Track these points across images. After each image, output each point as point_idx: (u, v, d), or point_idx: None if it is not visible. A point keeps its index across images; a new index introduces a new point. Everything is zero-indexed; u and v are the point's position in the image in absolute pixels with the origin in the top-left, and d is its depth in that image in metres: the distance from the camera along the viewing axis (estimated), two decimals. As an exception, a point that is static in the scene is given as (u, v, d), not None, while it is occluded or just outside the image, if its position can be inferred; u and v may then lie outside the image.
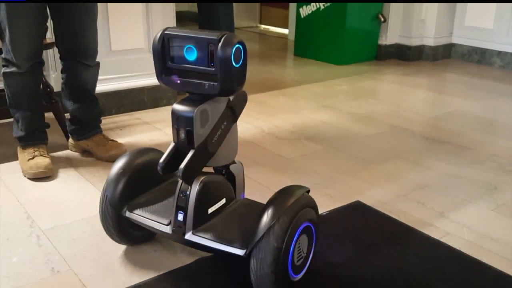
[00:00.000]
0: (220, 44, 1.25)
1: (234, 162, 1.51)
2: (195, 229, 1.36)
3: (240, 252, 1.30)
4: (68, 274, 1.47)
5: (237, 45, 1.27)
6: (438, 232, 1.73)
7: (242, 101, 1.46)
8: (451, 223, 1.79)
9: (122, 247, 1.60)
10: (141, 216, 1.45)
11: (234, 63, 1.27)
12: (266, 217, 1.27)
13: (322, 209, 1.85)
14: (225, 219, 1.41)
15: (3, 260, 1.53)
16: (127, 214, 1.46)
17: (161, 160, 1.36)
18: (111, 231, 1.53)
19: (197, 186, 1.36)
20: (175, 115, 1.33)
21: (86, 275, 1.46)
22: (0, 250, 1.58)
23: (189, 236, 1.36)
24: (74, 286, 1.42)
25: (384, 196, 1.98)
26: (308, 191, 1.42)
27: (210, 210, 1.40)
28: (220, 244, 1.33)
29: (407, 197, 1.97)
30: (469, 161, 2.34)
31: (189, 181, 1.35)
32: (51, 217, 1.77)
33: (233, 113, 1.42)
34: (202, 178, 1.38)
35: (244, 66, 1.31)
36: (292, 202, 1.32)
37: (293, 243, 1.31)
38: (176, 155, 1.36)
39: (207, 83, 1.31)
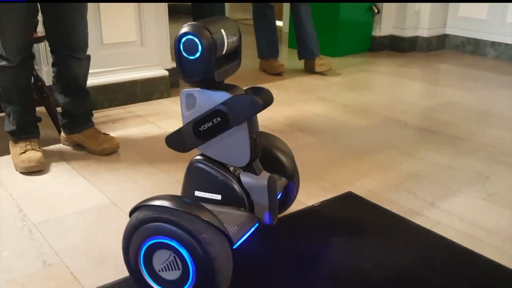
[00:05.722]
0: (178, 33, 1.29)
1: (253, 173, 1.40)
2: None
3: None
4: (59, 267, 1.47)
5: (187, 36, 1.25)
6: (429, 221, 1.73)
7: (241, 106, 1.31)
8: (442, 212, 1.80)
9: (114, 240, 1.60)
10: None
11: (185, 54, 1.27)
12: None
13: (314, 200, 1.86)
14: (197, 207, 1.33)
15: (-6, 254, 1.53)
16: None
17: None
18: None
19: (190, 162, 1.45)
20: None
21: (78, 268, 1.46)
22: (-9, 244, 1.58)
23: None
24: (65, 279, 1.42)
25: (376, 187, 1.98)
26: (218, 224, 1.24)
27: (197, 194, 1.43)
28: None
29: (398, 188, 1.98)
30: (461, 151, 2.35)
31: (170, 147, 1.43)
32: (43, 211, 1.77)
33: (230, 112, 1.32)
34: (197, 158, 1.43)
35: (201, 59, 1.26)
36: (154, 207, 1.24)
37: (141, 249, 1.26)
38: None
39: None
